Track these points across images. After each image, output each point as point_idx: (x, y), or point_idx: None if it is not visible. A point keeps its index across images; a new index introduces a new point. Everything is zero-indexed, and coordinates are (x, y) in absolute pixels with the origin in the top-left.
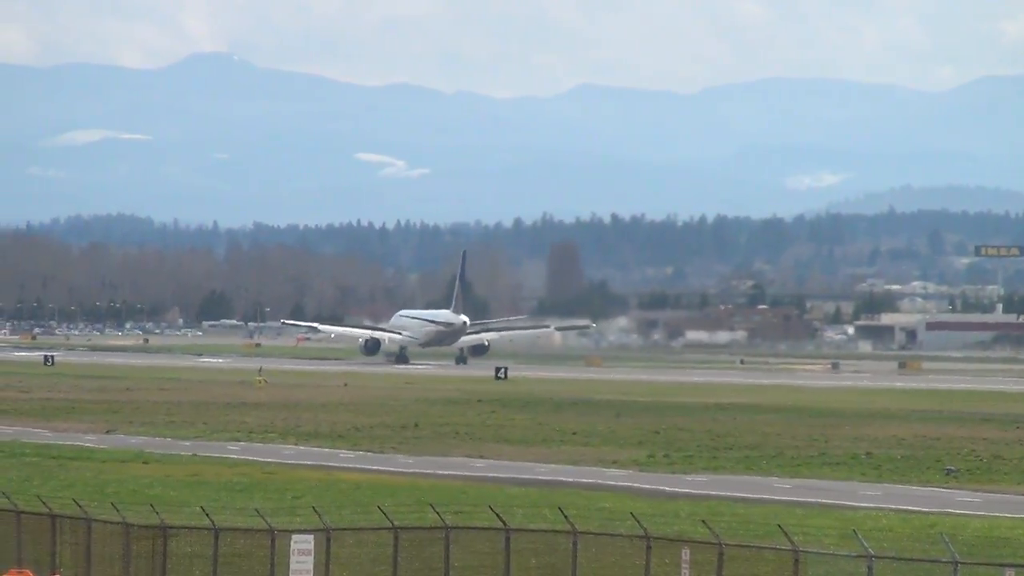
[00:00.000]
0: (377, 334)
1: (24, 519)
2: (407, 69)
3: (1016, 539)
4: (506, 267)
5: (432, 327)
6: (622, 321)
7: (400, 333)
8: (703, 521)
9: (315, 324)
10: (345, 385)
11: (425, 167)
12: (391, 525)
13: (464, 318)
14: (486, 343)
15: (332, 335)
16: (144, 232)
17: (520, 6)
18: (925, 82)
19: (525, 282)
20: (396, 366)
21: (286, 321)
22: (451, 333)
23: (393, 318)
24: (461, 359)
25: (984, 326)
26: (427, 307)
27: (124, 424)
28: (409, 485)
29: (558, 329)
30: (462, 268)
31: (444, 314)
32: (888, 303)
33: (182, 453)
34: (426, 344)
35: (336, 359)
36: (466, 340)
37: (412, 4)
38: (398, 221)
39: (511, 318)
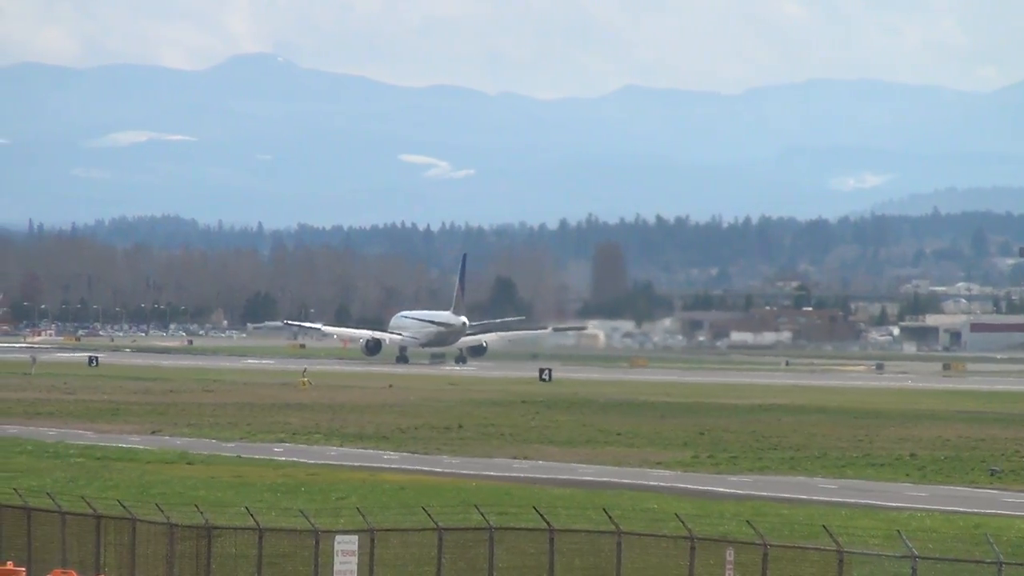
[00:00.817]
0: (378, 335)
1: (69, 520)
2: (450, 70)
3: None
4: (551, 269)
5: (432, 328)
6: (667, 322)
7: (400, 334)
8: (747, 522)
9: (318, 325)
10: (390, 386)
11: (469, 168)
12: (435, 526)
13: (463, 319)
14: (484, 344)
15: (335, 336)
16: (188, 233)
17: (563, 7)
18: (968, 83)
19: (570, 283)
20: (398, 366)
21: (288, 321)
22: (451, 333)
23: (393, 319)
24: (461, 359)
25: None
26: (471, 309)
27: (169, 425)
28: (453, 486)
29: (555, 330)
30: (462, 270)
31: (444, 315)
32: (932, 304)
33: (226, 454)
34: (426, 344)
35: (339, 359)
36: (465, 341)
37: (454, 4)
38: (442, 222)
39: (509, 319)
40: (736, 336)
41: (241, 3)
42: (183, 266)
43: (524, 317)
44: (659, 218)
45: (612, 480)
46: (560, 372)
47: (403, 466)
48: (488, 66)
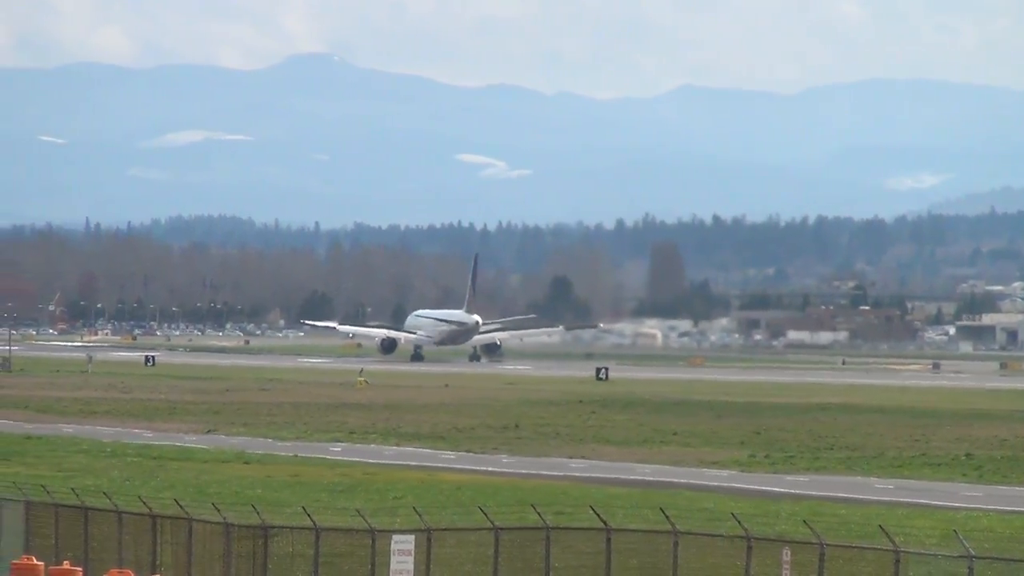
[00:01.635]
0: (393, 334)
1: (125, 519)
2: (507, 70)
3: None
4: (607, 268)
5: (446, 327)
6: (723, 322)
7: (415, 333)
8: (804, 521)
9: (333, 324)
10: (446, 386)
11: (526, 168)
12: (492, 525)
13: (476, 318)
14: (498, 342)
15: (351, 335)
16: (245, 233)
17: (619, 6)
18: None
19: (626, 283)
20: (414, 364)
21: (305, 321)
22: (464, 332)
23: (409, 318)
24: (474, 357)
25: None
26: (528, 309)
27: (225, 425)
28: (510, 486)
29: (568, 328)
30: (474, 271)
31: (457, 314)
32: (989, 304)
33: (283, 454)
34: (440, 343)
35: (355, 357)
36: (478, 339)
37: (510, 4)
38: (499, 222)
39: (520, 317)
40: (793, 335)
41: (297, 3)
42: (240, 265)
43: (535, 316)
44: (716, 218)
45: (669, 479)
46: (617, 371)
47: (460, 466)
48: (544, 66)
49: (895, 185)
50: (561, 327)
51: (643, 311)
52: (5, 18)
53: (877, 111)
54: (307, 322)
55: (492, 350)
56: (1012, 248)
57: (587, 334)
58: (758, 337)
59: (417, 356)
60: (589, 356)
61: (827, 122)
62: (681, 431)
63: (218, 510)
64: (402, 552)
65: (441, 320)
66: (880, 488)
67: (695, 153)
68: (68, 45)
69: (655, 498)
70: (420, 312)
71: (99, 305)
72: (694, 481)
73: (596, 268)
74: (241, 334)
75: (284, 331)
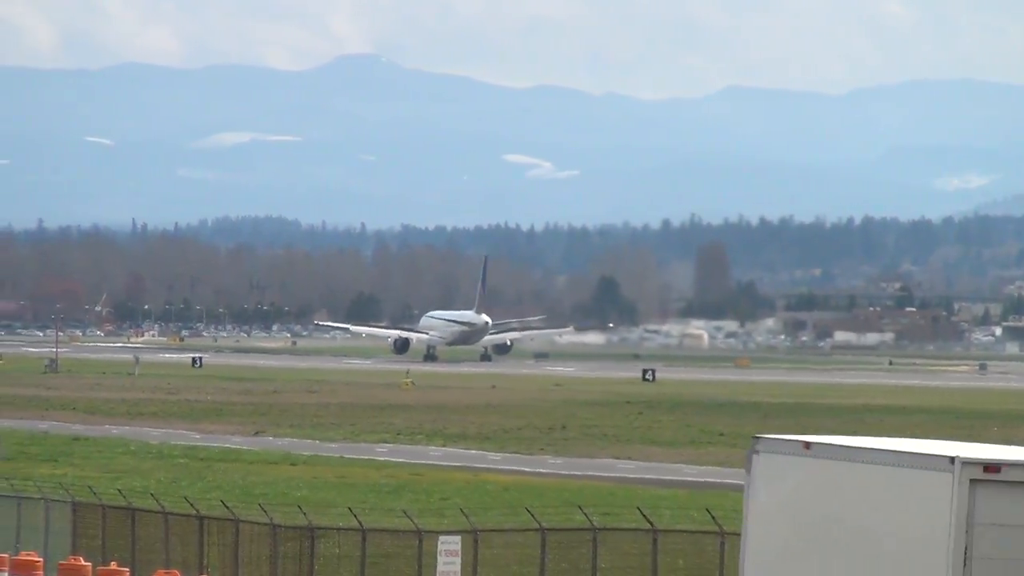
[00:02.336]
0: (406, 334)
1: (172, 520)
2: (553, 70)
3: None
4: (654, 268)
5: (457, 327)
6: (770, 322)
7: (428, 333)
8: None
9: (347, 325)
10: (493, 387)
11: (573, 169)
12: (538, 526)
13: (486, 318)
14: (508, 342)
15: (363, 335)
16: (292, 233)
17: (666, 7)
18: None
19: (673, 283)
20: (427, 364)
21: (319, 322)
22: (474, 332)
23: (423, 319)
24: (486, 357)
25: None
26: (574, 310)
27: (272, 426)
28: (556, 486)
29: (578, 329)
30: (484, 272)
31: (468, 315)
32: None
33: (329, 455)
34: (452, 343)
35: (368, 357)
36: (490, 339)
37: (556, 4)
38: (546, 223)
39: (529, 319)
40: (839, 336)
41: (345, 3)
42: (286, 266)
43: (545, 316)
44: (762, 218)
45: (715, 480)
46: (663, 373)
47: (506, 466)
48: (591, 66)
49: (942, 185)
50: (571, 327)
51: (689, 312)
52: (52, 19)
53: (924, 111)
54: (321, 323)
55: (503, 350)
56: None
57: (633, 335)
58: (804, 338)
59: (430, 356)
60: (636, 357)
61: (874, 122)
62: (728, 432)
63: (265, 511)
64: (449, 553)
65: (452, 321)
66: None
67: (742, 153)
68: (115, 46)
69: (702, 499)
70: (433, 313)
71: (146, 306)
72: (740, 482)
73: (642, 269)
74: (288, 335)
75: (331, 332)
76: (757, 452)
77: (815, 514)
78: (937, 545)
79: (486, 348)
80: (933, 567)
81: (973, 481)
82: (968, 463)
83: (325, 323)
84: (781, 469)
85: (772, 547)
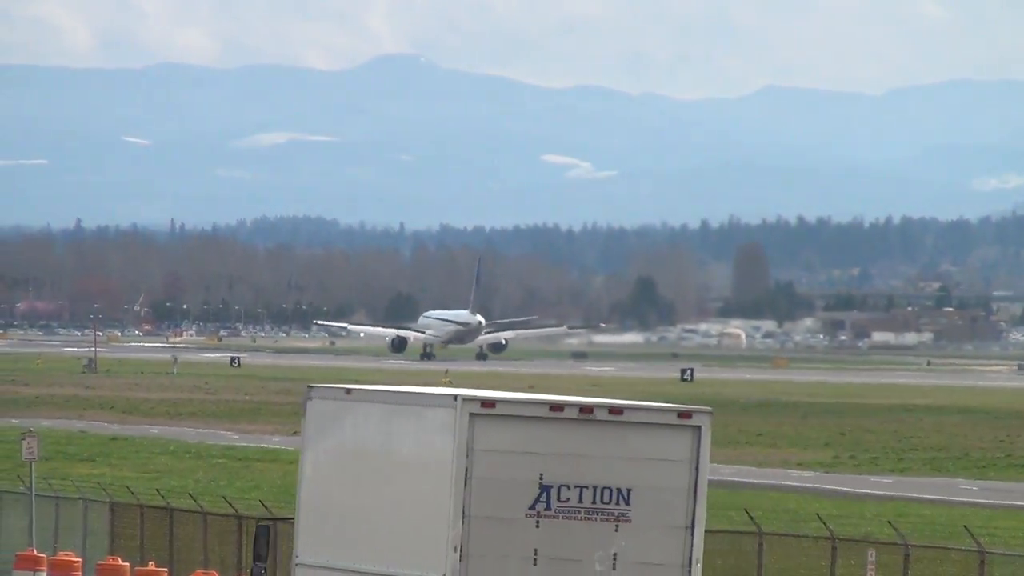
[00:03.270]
0: (404, 333)
1: (210, 520)
2: (591, 70)
3: None
4: (692, 269)
5: (452, 327)
6: (808, 322)
7: (424, 332)
8: (888, 522)
9: (345, 324)
10: (531, 387)
11: (611, 169)
12: None
13: (480, 318)
14: (503, 341)
15: (361, 334)
16: (330, 233)
17: (703, 7)
18: None
19: (711, 283)
20: (424, 362)
21: (318, 322)
22: (469, 332)
23: (420, 318)
24: (481, 355)
25: None
26: (612, 310)
27: None
28: None
29: (570, 328)
30: (478, 271)
31: (463, 314)
32: None
33: None
34: (447, 342)
35: (370, 355)
36: (485, 338)
37: (593, 4)
38: (584, 223)
39: (522, 319)
40: (877, 336)
41: (381, 3)
42: (325, 266)
43: (537, 316)
44: (800, 218)
45: (753, 480)
46: (701, 372)
47: None
48: (629, 66)
49: (980, 185)
50: (565, 327)
51: (728, 312)
52: (89, 19)
53: (961, 111)
54: (320, 323)
55: (498, 348)
56: None
57: (672, 335)
58: (842, 338)
59: (427, 355)
60: (674, 357)
61: (911, 122)
62: (766, 432)
63: None
64: None
65: (448, 320)
66: (965, 489)
67: (780, 153)
68: (152, 46)
69: (740, 499)
70: (429, 313)
71: (184, 306)
72: (779, 482)
73: (680, 269)
74: (327, 335)
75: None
76: (311, 399)
77: (354, 447)
78: (445, 467)
79: (481, 347)
80: (441, 485)
81: (472, 415)
82: (468, 400)
83: (323, 323)
84: (329, 412)
85: (321, 476)
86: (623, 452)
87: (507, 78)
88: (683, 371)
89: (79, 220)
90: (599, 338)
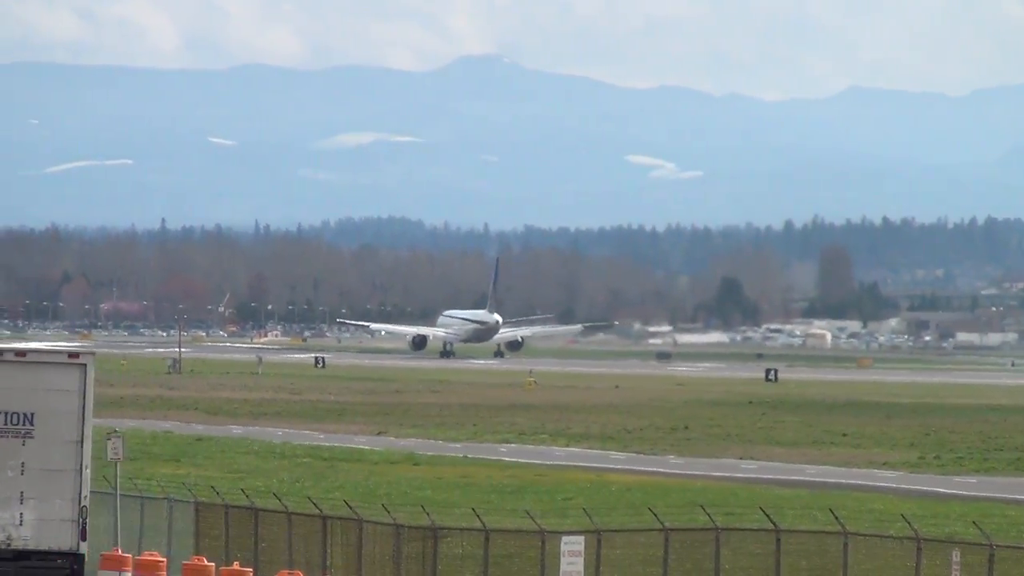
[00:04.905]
0: (424, 331)
1: (295, 520)
2: (674, 70)
3: None
4: (776, 269)
5: (471, 325)
6: (892, 323)
7: (444, 331)
8: (974, 522)
9: (367, 323)
10: (616, 387)
11: (696, 169)
12: (661, 526)
13: (497, 317)
14: (520, 339)
15: (383, 332)
16: (415, 234)
17: (785, 7)
18: None
19: (795, 284)
20: (443, 360)
21: (340, 320)
22: (486, 330)
23: (440, 318)
24: (498, 353)
25: None
26: (696, 310)
27: (394, 426)
28: (679, 486)
29: (586, 327)
30: (496, 272)
31: (480, 314)
32: None
33: (453, 455)
34: (466, 340)
35: (388, 353)
36: (502, 336)
37: (674, 4)
38: (668, 224)
39: (536, 317)
40: (962, 337)
41: (464, 3)
42: (409, 267)
43: (552, 316)
44: (885, 219)
45: (838, 480)
46: (786, 373)
47: (629, 467)
48: (712, 67)
49: None
50: (580, 326)
51: (812, 312)
52: (175, 20)
53: None
54: (343, 320)
55: (515, 347)
56: None
57: (756, 335)
58: (927, 338)
59: (446, 353)
60: (759, 357)
61: (996, 123)
62: (851, 432)
63: (388, 511)
64: (572, 553)
65: (466, 319)
66: None
67: (863, 154)
68: (237, 47)
69: (825, 499)
70: (449, 312)
71: (269, 307)
72: (864, 482)
73: (765, 269)
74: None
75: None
76: None
77: None
78: None
79: (499, 345)
80: None
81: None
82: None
83: (345, 321)
84: None
85: None
86: (27, 384)
87: (590, 78)
88: (767, 371)
89: (164, 221)
90: (683, 338)
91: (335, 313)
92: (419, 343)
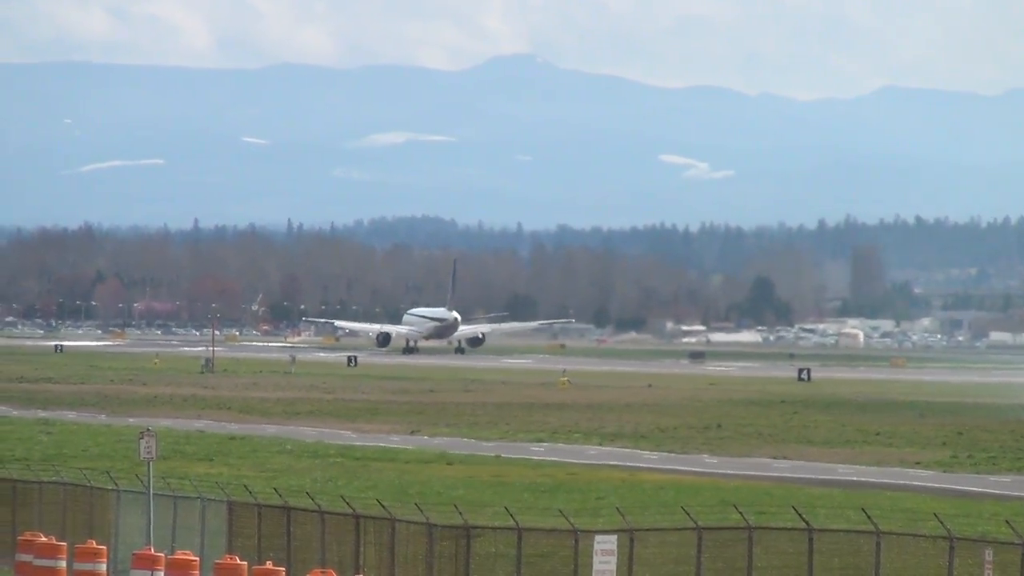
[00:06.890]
0: (388, 328)
1: (328, 519)
2: (707, 70)
3: None
4: (809, 269)
5: (431, 323)
6: (925, 322)
7: (406, 328)
8: (1007, 521)
9: (332, 320)
10: (649, 386)
11: (729, 169)
12: (694, 525)
13: (455, 315)
14: (480, 335)
15: (347, 330)
16: (448, 234)
17: (818, 6)
18: None
19: (828, 283)
20: (404, 356)
21: (307, 319)
22: (446, 327)
23: (404, 316)
24: (459, 350)
25: None
26: (729, 310)
27: (427, 425)
28: (712, 486)
29: (541, 324)
30: (454, 273)
31: (440, 311)
32: None
33: (486, 454)
34: (427, 337)
35: (355, 350)
36: (464, 333)
37: (707, 4)
38: (701, 223)
39: (495, 315)
40: (995, 336)
41: (497, 3)
42: (443, 267)
43: (507, 313)
44: (918, 218)
45: (871, 480)
46: (818, 372)
47: (662, 466)
48: (745, 66)
49: None
50: (536, 323)
51: (845, 311)
52: (208, 19)
53: None
54: (309, 319)
55: (476, 343)
56: None
57: (789, 334)
58: (960, 338)
59: (409, 349)
60: (791, 356)
61: None
62: (883, 431)
63: (421, 510)
64: (605, 552)
65: (427, 317)
66: None
67: (897, 154)
68: (270, 46)
69: (857, 498)
70: (412, 311)
71: (302, 306)
72: (896, 481)
73: (798, 269)
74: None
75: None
76: None
77: None
78: None
79: (459, 341)
80: None
81: None
82: None
83: (311, 319)
84: None
85: None
86: None
87: (623, 78)
88: (800, 370)
89: (196, 220)
90: (716, 337)
91: (369, 313)
92: (383, 340)
